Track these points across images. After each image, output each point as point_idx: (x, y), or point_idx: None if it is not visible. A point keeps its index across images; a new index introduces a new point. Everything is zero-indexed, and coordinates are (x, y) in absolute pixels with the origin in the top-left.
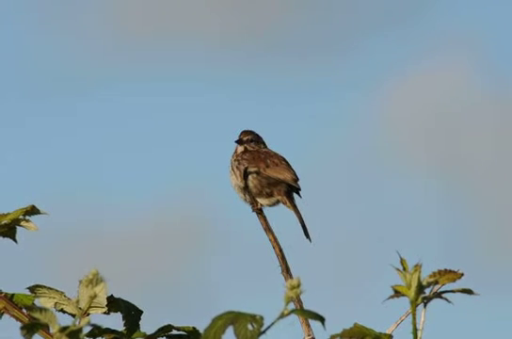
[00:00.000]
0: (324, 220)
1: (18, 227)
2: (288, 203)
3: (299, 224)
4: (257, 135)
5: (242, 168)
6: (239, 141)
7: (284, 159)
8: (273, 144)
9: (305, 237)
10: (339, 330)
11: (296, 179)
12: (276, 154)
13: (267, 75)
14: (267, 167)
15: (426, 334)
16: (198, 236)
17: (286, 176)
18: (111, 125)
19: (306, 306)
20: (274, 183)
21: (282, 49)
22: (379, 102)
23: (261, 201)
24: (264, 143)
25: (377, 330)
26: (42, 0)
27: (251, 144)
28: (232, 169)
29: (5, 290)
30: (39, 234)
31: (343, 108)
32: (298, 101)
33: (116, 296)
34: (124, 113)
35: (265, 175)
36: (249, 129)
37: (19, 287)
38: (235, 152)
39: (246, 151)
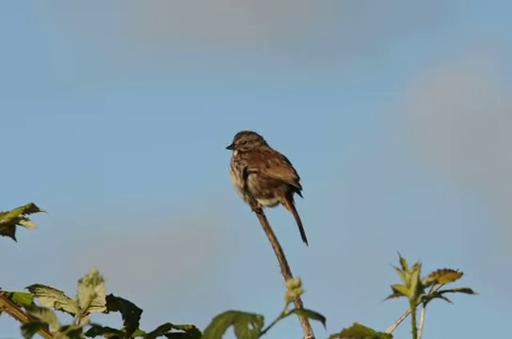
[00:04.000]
0: (330, 219)
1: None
2: (287, 205)
3: (297, 226)
4: (251, 134)
5: (242, 168)
6: (231, 147)
7: (285, 158)
8: (302, 145)
9: (302, 240)
10: (339, 330)
11: (297, 179)
12: (276, 153)
13: (295, 77)
14: (268, 167)
15: (426, 334)
16: (201, 238)
17: (287, 176)
18: (123, 126)
19: (306, 306)
20: (274, 183)
21: (309, 51)
22: (406, 103)
23: (261, 201)
24: (262, 141)
25: (377, 329)
26: None
27: (244, 145)
28: (232, 170)
29: (4, 289)
30: (54, 235)
31: (369, 109)
32: (326, 102)
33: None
34: (144, 114)
35: (266, 176)
36: (243, 130)
37: (20, 286)
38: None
39: (241, 152)
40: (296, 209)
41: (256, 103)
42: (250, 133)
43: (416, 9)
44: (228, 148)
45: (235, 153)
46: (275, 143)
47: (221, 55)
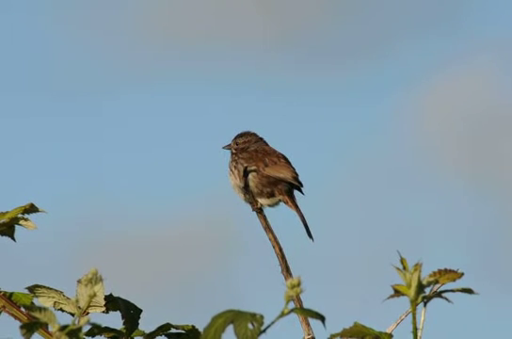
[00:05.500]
0: (331, 220)
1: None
2: (290, 203)
3: (301, 223)
4: (247, 134)
5: (240, 167)
6: (227, 146)
7: (284, 156)
8: (310, 146)
9: (307, 237)
10: (339, 330)
11: (297, 176)
12: (274, 152)
13: (300, 78)
14: (266, 165)
15: (426, 334)
16: (201, 238)
17: (286, 174)
18: (124, 127)
19: (306, 306)
20: (274, 182)
21: (316, 52)
22: (412, 105)
23: (262, 201)
24: (259, 140)
25: (378, 329)
26: None
27: (239, 146)
28: (231, 170)
29: (4, 289)
30: (56, 236)
31: (375, 111)
32: (331, 104)
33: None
34: (146, 114)
35: (265, 174)
36: (240, 132)
37: (19, 286)
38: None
39: (238, 153)
40: (299, 206)
41: (258, 103)
42: (246, 133)
43: (422, 12)
44: (224, 148)
45: (231, 153)
46: (278, 144)
47: (225, 55)
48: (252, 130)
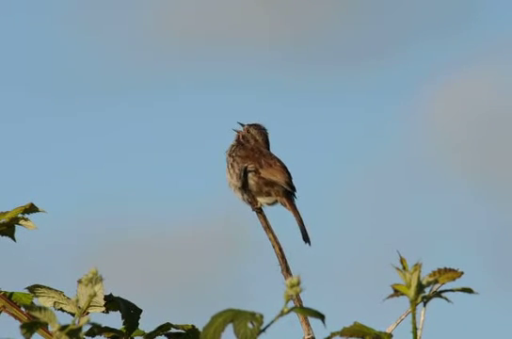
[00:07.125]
0: (332, 219)
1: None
2: (288, 206)
3: (298, 227)
4: (261, 129)
5: (236, 165)
6: (241, 125)
7: (279, 161)
8: (317, 146)
9: (303, 241)
10: (339, 330)
11: (290, 182)
12: (270, 155)
13: (312, 79)
14: (261, 167)
15: (426, 333)
16: (201, 238)
17: (279, 178)
18: (136, 127)
19: (305, 305)
20: (271, 182)
21: (322, 53)
22: (422, 107)
23: (261, 199)
24: (262, 138)
25: (377, 329)
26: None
27: (248, 134)
28: (229, 166)
29: (4, 289)
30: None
31: (385, 112)
32: (339, 104)
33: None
34: (155, 115)
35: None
36: (257, 123)
37: (20, 286)
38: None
39: (239, 143)
40: (297, 209)
41: (258, 103)
42: (263, 129)
43: (432, 13)
44: (234, 130)
45: (234, 141)
46: (282, 145)
47: (225, 55)
48: (261, 124)
